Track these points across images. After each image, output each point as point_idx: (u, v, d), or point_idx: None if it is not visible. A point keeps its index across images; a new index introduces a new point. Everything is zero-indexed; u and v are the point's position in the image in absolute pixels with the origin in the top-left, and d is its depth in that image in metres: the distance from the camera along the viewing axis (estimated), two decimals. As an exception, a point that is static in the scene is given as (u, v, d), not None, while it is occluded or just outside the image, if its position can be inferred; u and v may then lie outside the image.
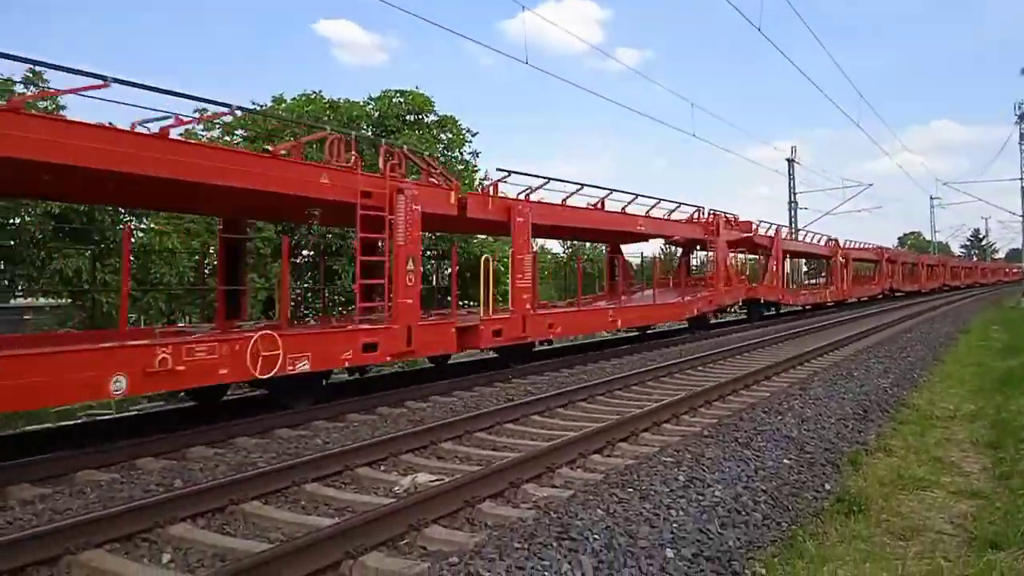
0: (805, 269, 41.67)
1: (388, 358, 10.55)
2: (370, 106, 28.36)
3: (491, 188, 13.47)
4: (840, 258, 35.95)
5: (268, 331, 8.74)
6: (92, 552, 4.58)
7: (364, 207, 10.10)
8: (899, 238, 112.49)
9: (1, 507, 5.71)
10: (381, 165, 10.76)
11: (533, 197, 14.27)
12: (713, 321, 25.22)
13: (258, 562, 4.03)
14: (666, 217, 20.21)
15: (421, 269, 12.12)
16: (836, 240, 36.72)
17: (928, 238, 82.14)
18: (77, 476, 6.59)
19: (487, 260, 12.66)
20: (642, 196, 18.14)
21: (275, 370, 8.63)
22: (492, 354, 14.33)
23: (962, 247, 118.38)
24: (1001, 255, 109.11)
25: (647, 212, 18.90)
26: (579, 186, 15.58)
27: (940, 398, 10.24)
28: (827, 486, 6.08)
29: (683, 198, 25.05)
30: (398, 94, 28.50)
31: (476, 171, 26.96)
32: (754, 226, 26.01)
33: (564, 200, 15.42)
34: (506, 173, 13.58)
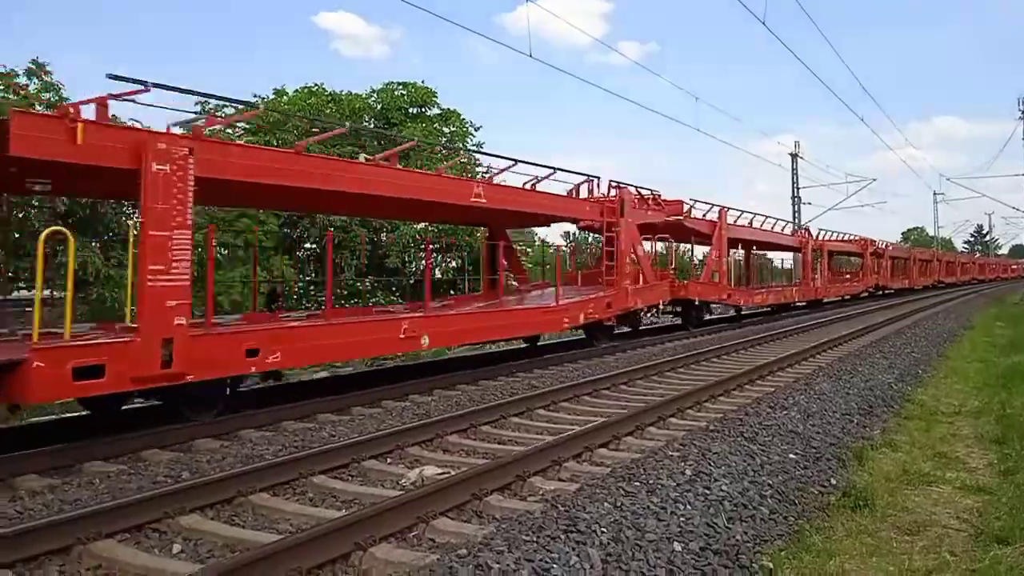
0: (790, 266, 37.75)
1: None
2: (372, 98, 28.34)
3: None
4: (811, 250, 31.47)
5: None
6: (104, 542, 4.60)
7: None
8: (902, 234, 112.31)
9: (11, 498, 5.74)
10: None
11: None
12: (642, 327, 20.84)
13: (269, 552, 4.05)
14: (531, 188, 14.63)
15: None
16: (806, 228, 33.05)
17: (931, 234, 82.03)
18: (85, 467, 6.61)
19: None
20: (528, 164, 14.47)
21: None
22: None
23: (965, 243, 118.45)
24: (1005, 251, 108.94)
25: (529, 185, 14.58)
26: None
27: (945, 394, 10.24)
28: (833, 481, 6.09)
29: (687, 193, 22.34)
30: (400, 86, 28.48)
31: (479, 165, 26.93)
32: (686, 207, 20.79)
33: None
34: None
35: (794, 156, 49.67)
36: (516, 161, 14.14)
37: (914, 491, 5.91)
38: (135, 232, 7.62)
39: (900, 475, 6.26)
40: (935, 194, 73.35)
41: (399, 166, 11.83)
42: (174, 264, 7.58)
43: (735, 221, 24.19)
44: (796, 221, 46.74)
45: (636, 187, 18.45)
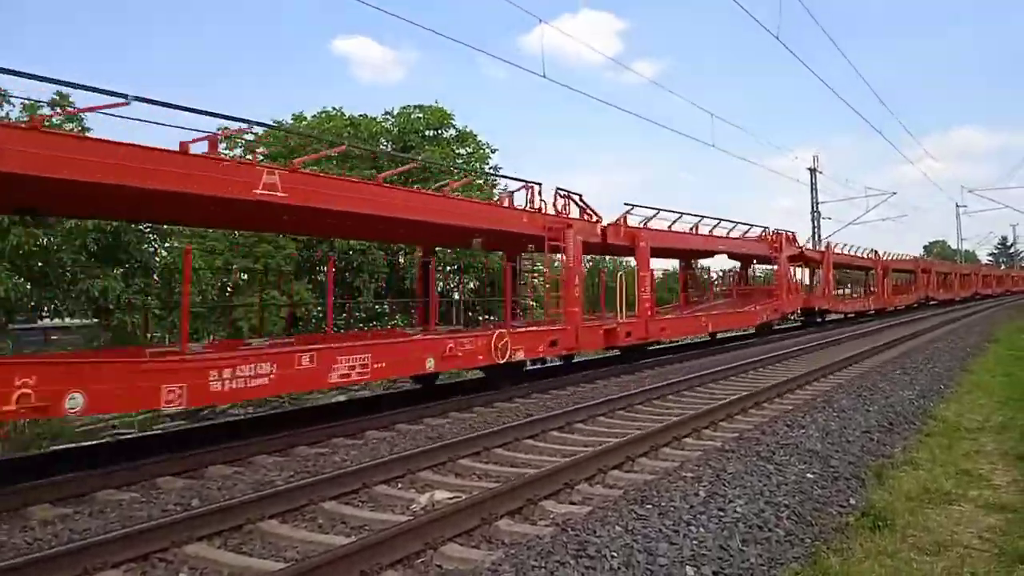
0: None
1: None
2: (388, 122, 28.56)
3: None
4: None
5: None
6: (110, 572, 4.59)
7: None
8: (924, 247, 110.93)
9: (22, 527, 5.74)
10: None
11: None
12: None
13: (272, 582, 4.01)
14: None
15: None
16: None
17: (954, 246, 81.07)
18: (97, 496, 6.62)
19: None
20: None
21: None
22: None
23: (989, 255, 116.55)
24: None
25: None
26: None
27: (968, 409, 10.03)
28: (852, 500, 5.96)
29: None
30: (417, 109, 28.67)
31: (495, 186, 27.00)
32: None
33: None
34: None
35: (812, 171, 49.25)
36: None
37: (935, 510, 5.76)
38: None
39: (921, 494, 6.11)
40: (957, 206, 72.48)
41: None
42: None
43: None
44: (816, 236, 46.33)
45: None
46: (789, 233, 26.74)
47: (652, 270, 17.90)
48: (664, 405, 10.88)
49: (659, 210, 17.81)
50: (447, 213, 11.57)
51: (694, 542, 4.72)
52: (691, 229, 20.16)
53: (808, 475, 6.46)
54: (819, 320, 31.91)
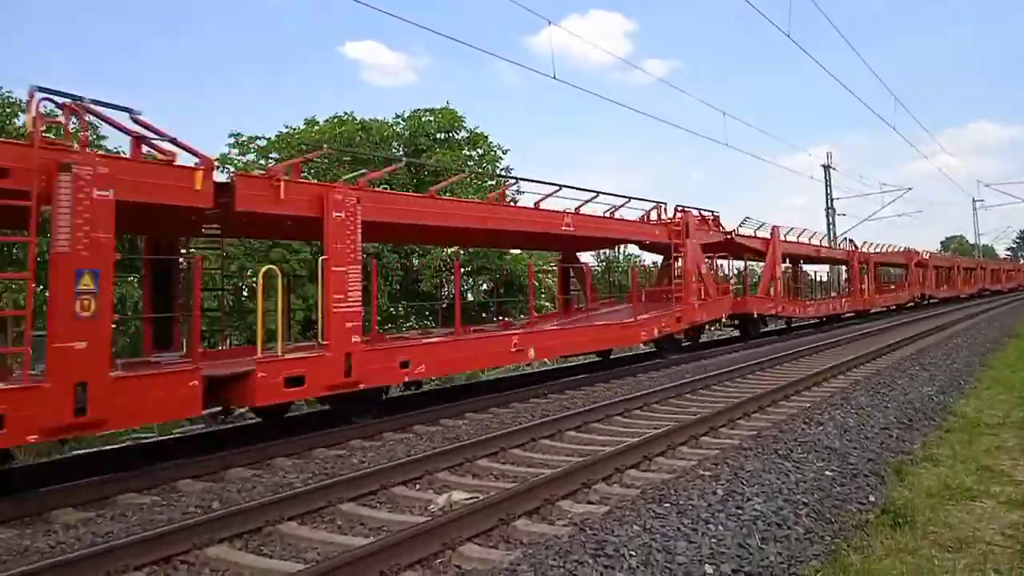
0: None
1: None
2: (400, 126, 28.68)
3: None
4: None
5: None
6: (132, 575, 4.64)
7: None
8: (941, 242, 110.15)
9: (46, 531, 5.81)
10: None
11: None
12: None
13: (293, 583, 4.03)
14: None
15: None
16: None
17: (972, 241, 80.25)
18: (119, 499, 6.69)
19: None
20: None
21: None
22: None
23: (1008, 249, 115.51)
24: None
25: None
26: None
27: (989, 405, 9.94)
28: (871, 498, 5.92)
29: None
30: (428, 113, 28.78)
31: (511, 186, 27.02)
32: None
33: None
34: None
35: (826, 167, 49.00)
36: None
37: (956, 507, 5.71)
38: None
39: (942, 490, 6.06)
40: (974, 201, 71.84)
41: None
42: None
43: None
44: (831, 233, 46.02)
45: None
46: (707, 213, 20.32)
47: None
48: (679, 404, 10.85)
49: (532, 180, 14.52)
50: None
51: (713, 540, 4.71)
52: (576, 209, 14.81)
53: (827, 472, 6.42)
54: (763, 327, 24.68)
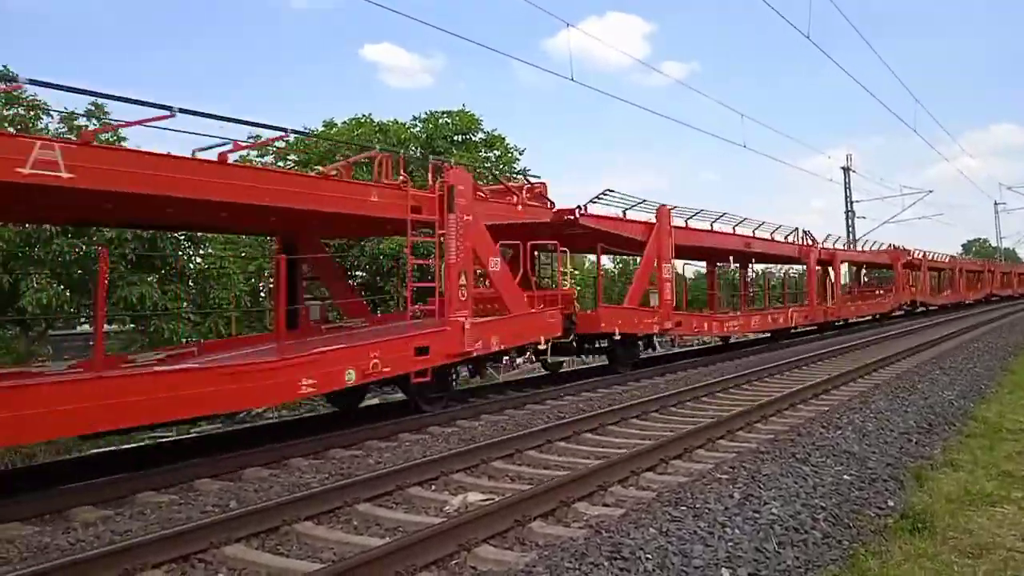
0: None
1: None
2: (417, 128, 28.73)
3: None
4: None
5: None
6: (151, 572, 4.68)
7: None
8: (963, 245, 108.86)
9: (65, 529, 5.87)
10: None
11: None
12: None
13: (309, 582, 4.05)
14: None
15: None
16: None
17: (994, 244, 79.35)
18: (137, 498, 6.74)
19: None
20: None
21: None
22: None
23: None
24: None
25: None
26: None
27: (1010, 410, 9.83)
28: (890, 503, 5.87)
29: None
30: (445, 115, 28.82)
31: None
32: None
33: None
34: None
35: (846, 170, 48.68)
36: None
37: (977, 512, 5.66)
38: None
39: (962, 495, 6.00)
40: (996, 204, 71.09)
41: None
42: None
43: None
44: (851, 236, 45.69)
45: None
46: (527, 180, 15.66)
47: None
48: (697, 407, 10.81)
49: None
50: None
51: (729, 544, 4.68)
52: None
53: (845, 476, 6.38)
54: (636, 355, 16.26)
